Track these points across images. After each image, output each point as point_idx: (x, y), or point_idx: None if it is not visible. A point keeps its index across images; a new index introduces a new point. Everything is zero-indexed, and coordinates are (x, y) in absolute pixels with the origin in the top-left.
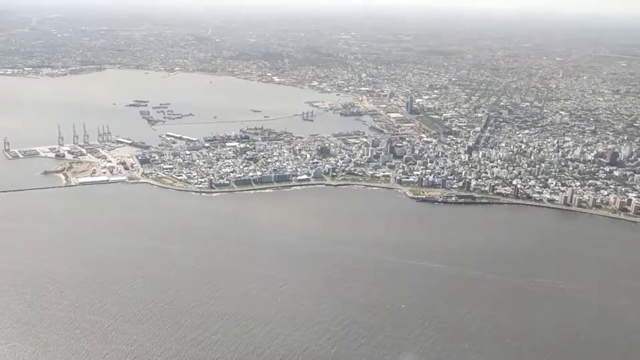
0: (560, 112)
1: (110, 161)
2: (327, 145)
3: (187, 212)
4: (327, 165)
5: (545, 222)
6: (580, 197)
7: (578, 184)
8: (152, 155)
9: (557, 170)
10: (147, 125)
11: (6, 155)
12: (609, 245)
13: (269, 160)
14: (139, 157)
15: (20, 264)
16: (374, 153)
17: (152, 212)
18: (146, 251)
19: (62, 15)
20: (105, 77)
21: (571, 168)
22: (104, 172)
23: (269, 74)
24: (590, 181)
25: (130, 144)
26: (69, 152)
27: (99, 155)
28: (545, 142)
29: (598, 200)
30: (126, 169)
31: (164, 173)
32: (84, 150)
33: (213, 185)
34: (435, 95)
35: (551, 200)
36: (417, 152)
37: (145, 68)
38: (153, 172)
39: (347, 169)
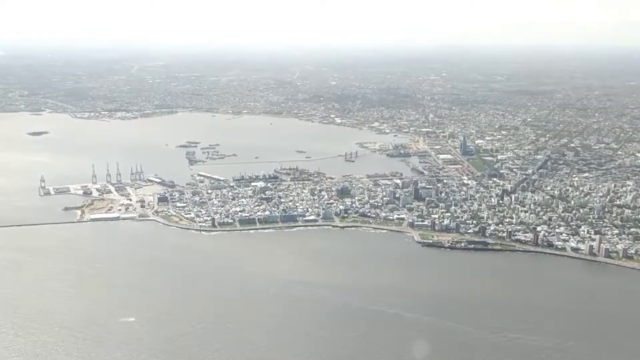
0: (637, 153)
1: (130, 199)
2: (349, 185)
3: (176, 249)
4: (340, 206)
5: (558, 272)
6: (611, 247)
7: (616, 231)
8: (173, 194)
9: (597, 216)
10: (187, 165)
11: (39, 192)
12: (628, 301)
13: (282, 200)
14: (158, 196)
15: None
16: (397, 195)
17: (143, 247)
18: (109, 285)
19: (163, 63)
20: (174, 119)
21: (614, 214)
22: (119, 209)
23: (332, 116)
24: (633, 229)
25: (159, 183)
26: (97, 189)
27: (124, 193)
28: (599, 186)
29: (632, 251)
30: (142, 206)
31: (174, 211)
32: (112, 188)
33: (216, 224)
34: (500, 136)
35: (576, 250)
36: (443, 194)
37: (214, 111)
38: (165, 209)
39: (360, 210)
